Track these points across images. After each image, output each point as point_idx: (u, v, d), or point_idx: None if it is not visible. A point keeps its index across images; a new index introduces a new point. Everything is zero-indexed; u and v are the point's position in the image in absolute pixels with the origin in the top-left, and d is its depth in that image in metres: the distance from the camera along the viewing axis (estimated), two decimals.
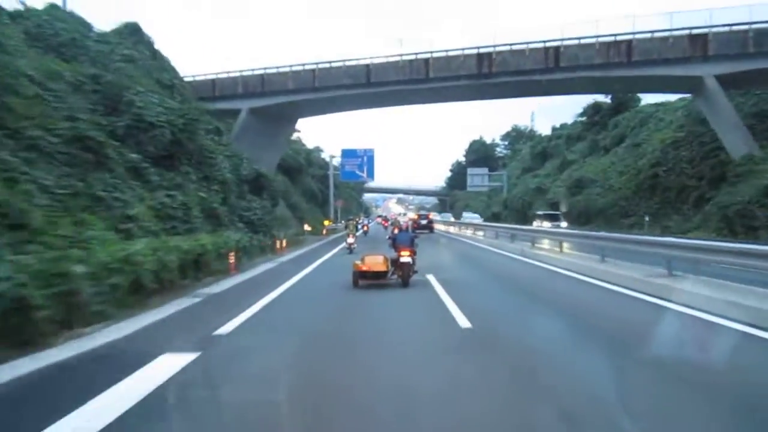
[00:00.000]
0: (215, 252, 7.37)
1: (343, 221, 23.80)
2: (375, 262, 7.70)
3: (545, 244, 11.56)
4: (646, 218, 21.22)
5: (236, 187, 11.71)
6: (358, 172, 28.47)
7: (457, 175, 73.44)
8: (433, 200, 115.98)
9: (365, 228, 23.14)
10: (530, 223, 23.34)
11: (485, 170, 45.81)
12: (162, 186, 8.34)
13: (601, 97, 37.00)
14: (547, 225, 20.71)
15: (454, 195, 67.49)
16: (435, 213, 52.64)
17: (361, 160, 28.27)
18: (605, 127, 36.27)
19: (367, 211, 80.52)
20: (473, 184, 43.15)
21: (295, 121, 24.90)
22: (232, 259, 8.16)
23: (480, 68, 19.66)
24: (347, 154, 29.01)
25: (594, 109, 38.49)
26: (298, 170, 30.10)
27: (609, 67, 18.63)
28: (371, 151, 28.77)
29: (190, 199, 8.77)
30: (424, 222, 22.26)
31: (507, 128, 75.35)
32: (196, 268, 6.59)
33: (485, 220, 29.87)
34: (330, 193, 31.21)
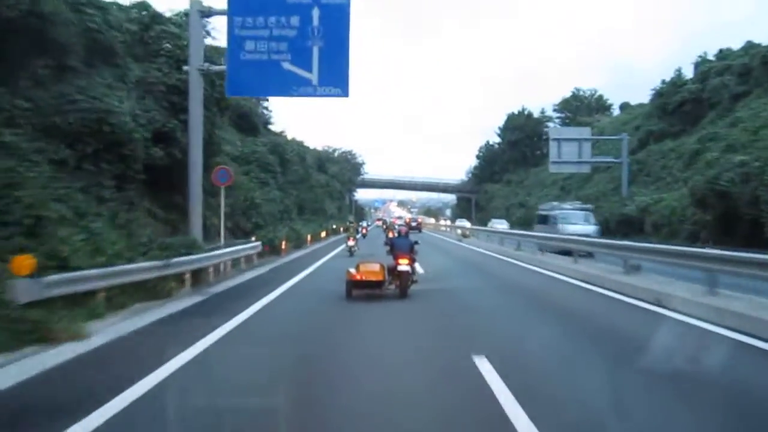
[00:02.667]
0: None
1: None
2: (370, 270, 9.66)
3: None
4: None
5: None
6: (290, 66, 12.13)
7: (489, 162, 76.14)
8: (450, 200, 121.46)
9: (364, 231, 33.67)
10: None
11: (584, 131, 34.99)
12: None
13: None
14: None
15: (484, 191, 69.20)
16: (445, 217, 67.88)
17: (300, 31, 12.09)
18: None
19: (359, 214, 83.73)
20: (561, 158, 32.56)
21: None
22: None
23: None
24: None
25: None
26: None
27: None
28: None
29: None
30: (414, 224, 38.44)
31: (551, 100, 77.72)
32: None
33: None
34: None
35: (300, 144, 50.37)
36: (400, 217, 72.82)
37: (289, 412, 3.86)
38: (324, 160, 61.46)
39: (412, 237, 11.46)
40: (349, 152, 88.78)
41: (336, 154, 78.50)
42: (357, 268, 9.92)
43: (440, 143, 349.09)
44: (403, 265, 9.88)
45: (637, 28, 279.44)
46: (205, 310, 8.56)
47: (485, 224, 42.92)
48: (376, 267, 9.90)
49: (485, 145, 79.16)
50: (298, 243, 24.18)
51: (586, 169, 36.18)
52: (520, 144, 69.21)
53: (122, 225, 10.68)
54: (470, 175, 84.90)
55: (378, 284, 9.72)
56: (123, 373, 4.74)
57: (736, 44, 37.95)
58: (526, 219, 42.51)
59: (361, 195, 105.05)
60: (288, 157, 32.88)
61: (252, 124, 32.23)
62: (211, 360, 5.42)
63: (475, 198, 76.26)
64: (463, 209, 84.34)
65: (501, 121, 74.60)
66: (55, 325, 5.81)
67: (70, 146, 10.28)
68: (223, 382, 4.76)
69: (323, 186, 50.79)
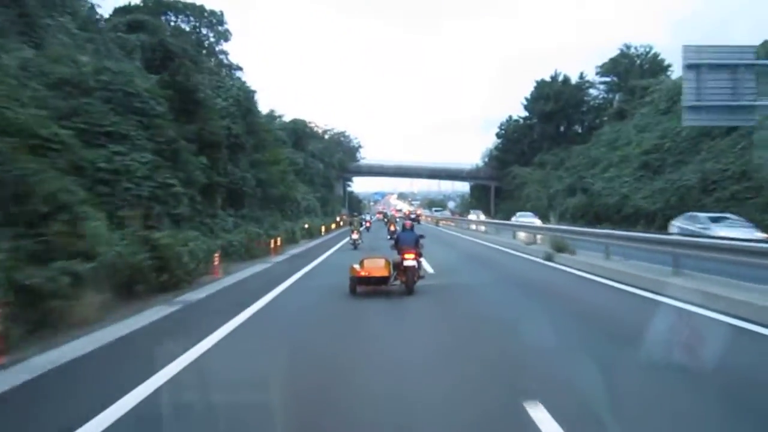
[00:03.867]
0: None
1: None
2: (375, 266, 11.11)
3: None
4: None
5: None
6: None
7: (513, 141, 74.14)
8: (454, 191, 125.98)
9: (368, 224, 39.23)
10: None
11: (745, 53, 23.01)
12: None
13: None
14: None
15: (512, 176, 67.51)
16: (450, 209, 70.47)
17: None
18: None
19: (355, 208, 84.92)
20: (702, 100, 22.60)
21: None
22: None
23: None
24: None
25: None
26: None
27: None
28: None
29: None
30: (413, 217, 39.62)
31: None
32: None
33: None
34: None
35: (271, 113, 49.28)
36: (399, 210, 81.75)
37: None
38: (301, 134, 57.46)
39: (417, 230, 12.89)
40: (342, 133, 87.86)
41: (326, 135, 78.17)
42: (361, 263, 11.29)
43: (445, 132, 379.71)
44: (409, 260, 11.20)
45: None
46: None
47: (510, 217, 42.73)
48: (381, 262, 11.30)
49: (507, 121, 78.26)
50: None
51: (747, 119, 25.11)
52: (555, 116, 69.37)
53: None
54: (487, 159, 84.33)
55: (383, 280, 11.11)
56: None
57: None
58: (591, 212, 41.66)
59: (359, 187, 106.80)
60: (207, 103, 22.29)
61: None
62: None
63: (494, 186, 75.91)
64: (478, 199, 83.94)
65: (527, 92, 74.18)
66: None
67: None
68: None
69: (296, 166, 46.55)
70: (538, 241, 22.88)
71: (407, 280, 11.10)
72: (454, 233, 40.37)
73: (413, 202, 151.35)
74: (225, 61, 46.78)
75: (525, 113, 74.54)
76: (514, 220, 38.56)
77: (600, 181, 45.39)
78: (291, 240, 27.73)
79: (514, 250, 22.42)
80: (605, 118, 64.20)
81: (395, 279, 11.32)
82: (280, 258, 20.67)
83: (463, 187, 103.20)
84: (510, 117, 78.20)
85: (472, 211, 63.51)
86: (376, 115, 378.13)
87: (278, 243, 22.81)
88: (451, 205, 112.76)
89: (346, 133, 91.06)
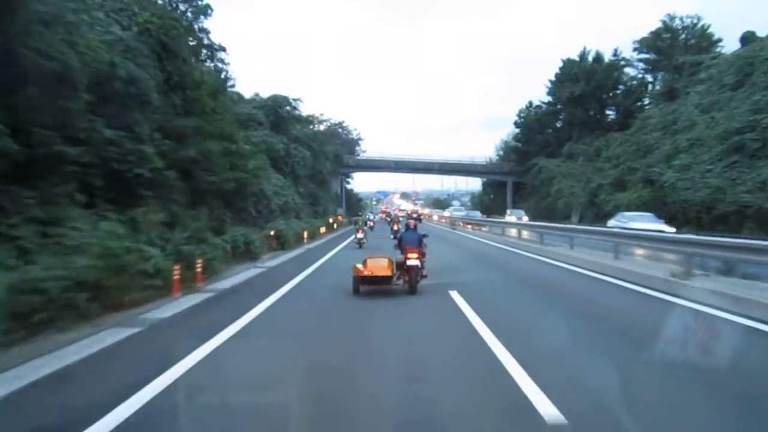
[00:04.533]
0: None
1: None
2: (378, 265, 12.36)
3: None
4: None
5: None
6: None
7: (534, 130, 72.30)
8: (466, 189, 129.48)
9: (371, 223, 43.09)
10: None
11: None
12: None
13: None
14: None
15: (537, 169, 65.21)
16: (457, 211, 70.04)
17: None
18: None
19: (354, 207, 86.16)
20: None
21: None
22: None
23: None
24: None
25: None
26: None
27: None
28: None
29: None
30: (415, 216, 41.01)
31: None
32: None
33: None
34: None
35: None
36: (402, 209, 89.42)
37: None
38: (284, 115, 48.44)
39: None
40: (340, 124, 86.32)
41: (322, 126, 75.31)
42: (364, 263, 12.57)
43: (449, 130, 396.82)
44: (413, 260, 12.35)
45: None
46: None
47: (545, 219, 40.55)
48: (384, 262, 12.62)
49: (527, 108, 76.83)
50: None
51: None
52: (585, 100, 67.35)
53: None
54: (500, 153, 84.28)
55: (386, 280, 12.35)
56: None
57: None
58: (661, 209, 36.04)
59: (360, 187, 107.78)
60: None
61: None
62: None
63: (512, 181, 74.30)
64: (493, 197, 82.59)
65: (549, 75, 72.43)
66: None
67: None
68: None
69: (274, 152, 40.31)
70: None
71: (410, 279, 12.31)
72: (483, 241, 32.40)
73: (417, 202, 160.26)
74: (206, 41, 42.33)
75: (547, 99, 73.28)
76: (616, 224, 29.82)
77: (669, 170, 41.32)
78: (248, 255, 20.61)
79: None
80: (647, 100, 62.75)
81: (398, 278, 12.59)
82: (178, 307, 11.37)
83: (469, 185, 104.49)
84: (530, 103, 76.67)
85: (510, 211, 57.70)
86: (376, 111, 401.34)
87: (198, 270, 14.17)
88: (455, 203, 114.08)
89: (345, 124, 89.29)
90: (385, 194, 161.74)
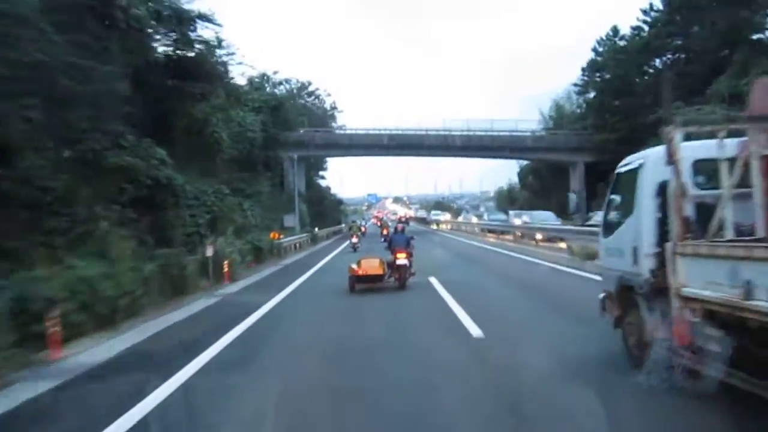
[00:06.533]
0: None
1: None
2: (371, 265, 14.45)
3: None
4: None
5: None
6: None
7: (624, 74, 43.30)
8: (470, 192, 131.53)
9: (363, 229, 43.95)
10: None
11: None
12: None
13: None
14: None
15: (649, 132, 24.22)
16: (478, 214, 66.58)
17: None
18: None
19: (333, 214, 66.88)
20: None
21: None
22: None
23: None
24: None
25: None
26: None
27: None
28: None
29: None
30: (404, 221, 42.03)
31: None
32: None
33: None
34: None
35: None
36: (394, 214, 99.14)
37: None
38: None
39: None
40: (305, 87, 62.13)
41: (276, 90, 53.04)
42: (358, 263, 14.61)
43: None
44: (401, 259, 14.56)
45: None
46: None
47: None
48: (376, 262, 14.62)
49: (610, 36, 49.05)
50: None
51: None
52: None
53: None
54: (549, 123, 56.99)
55: (379, 278, 14.40)
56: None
57: None
58: None
59: (347, 191, 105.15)
60: None
61: None
62: None
63: (582, 162, 47.11)
64: (538, 191, 57.62)
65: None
66: None
67: None
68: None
69: None
70: None
71: (400, 276, 14.50)
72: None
73: (412, 206, 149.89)
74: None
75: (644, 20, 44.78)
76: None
77: None
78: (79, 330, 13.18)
79: None
80: None
81: (389, 276, 14.60)
82: None
83: (473, 186, 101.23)
84: (615, 28, 48.69)
85: (515, 213, 42.61)
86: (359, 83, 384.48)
87: None
88: (481, 209, 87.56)
89: (312, 89, 62.79)
90: (377, 198, 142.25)
